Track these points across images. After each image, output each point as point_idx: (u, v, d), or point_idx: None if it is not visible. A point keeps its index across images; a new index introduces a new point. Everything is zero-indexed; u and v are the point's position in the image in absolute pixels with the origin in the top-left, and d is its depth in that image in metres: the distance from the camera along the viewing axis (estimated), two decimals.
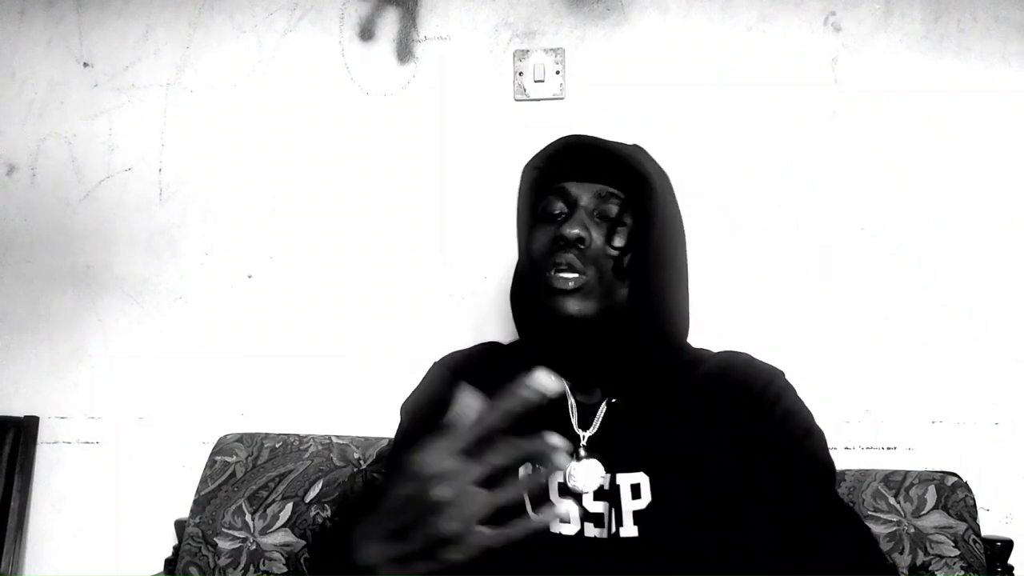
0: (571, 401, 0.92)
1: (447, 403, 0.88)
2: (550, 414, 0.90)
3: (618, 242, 0.90)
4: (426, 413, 0.92)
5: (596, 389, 0.93)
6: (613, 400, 0.91)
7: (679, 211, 0.99)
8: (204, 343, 1.47)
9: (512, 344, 1.02)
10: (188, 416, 1.45)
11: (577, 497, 0.87)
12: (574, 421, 0.91)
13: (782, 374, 0.93)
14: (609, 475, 0.86)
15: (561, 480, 0.87)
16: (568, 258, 0.88)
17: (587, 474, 0.86)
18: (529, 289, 0.94)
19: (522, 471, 0.85)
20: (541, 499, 0.87)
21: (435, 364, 1.00)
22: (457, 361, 1.00)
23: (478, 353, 1.01)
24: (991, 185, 1.33)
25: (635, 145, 1.02)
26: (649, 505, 0.84)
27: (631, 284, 0.90)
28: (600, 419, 0.90)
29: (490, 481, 0.81)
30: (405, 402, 0.97)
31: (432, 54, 1.45)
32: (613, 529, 0.85)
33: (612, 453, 0.87)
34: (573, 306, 0.88)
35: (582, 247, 0.89)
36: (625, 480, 0.86)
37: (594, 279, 0.89)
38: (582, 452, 0.88)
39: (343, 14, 1.48)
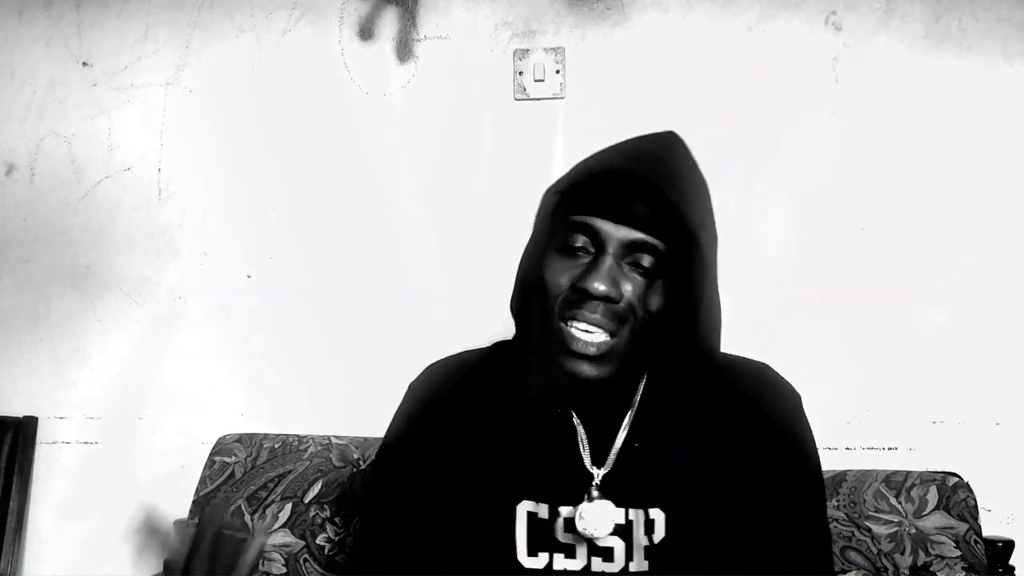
0: (581, 434, 0.84)
1: (424, 445, 0.84)
2: (557, 448, 0.84)
3: (654, 302, 0.78)
4: (402, 463, 0.86)
5: (608, 420, 0.84)
6: (629, 434, 0.83)
7: (715, 224, 0.86)
8: (204, 343, 1.47)
9: (490, 354, 0.93)
10: (188, 416, 1.45)
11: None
12: (586, 458, 0.83)
13: (800, 400, 0.86)
14: (623, 509, 0.80)
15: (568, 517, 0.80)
16: (592, 317, 0.76)
17: (598, 517, 0.79)
18: (535, 311, 0.82)
19: (520, 508, 0.81)
20: (545, 539, 0.81)
21: (407, 396, 0.92)
22: (430, 391, 0.90)
23: (454, 373, 0.92)
24: (992, 185, 1.32)
25: (674, 140, 0.90)
26: (663, 540, 0.79)
27: (665, 333, 0.79)
28: (615, 455, 0.82)
29: (486, 515, 0.80)
30: (381, 448, 0.90)
31: (432, 53, 1.45)
32: (624, 564, 0.80)
33: (628, 493, 0.81)
34: (589, 371, 0.77)
35: (610, 304, 0.76)
36: (640, 515, 0.81)
37: (623, 342, 0.77)
38: (594, 492, 0.81)
39: (343, 13, 1.47)
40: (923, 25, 1.36)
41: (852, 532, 1.07)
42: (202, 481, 1.23)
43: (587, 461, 0.82)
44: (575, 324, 0.77)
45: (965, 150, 1.33)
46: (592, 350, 0.77)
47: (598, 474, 0.82)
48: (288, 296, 1.46)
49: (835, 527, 1.09)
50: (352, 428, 1.34)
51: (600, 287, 0.75)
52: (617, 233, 0.79)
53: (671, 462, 0.81)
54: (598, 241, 0.79)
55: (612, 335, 0.77)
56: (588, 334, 0.77)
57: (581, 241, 0.80)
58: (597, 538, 0.79)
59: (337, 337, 1.44)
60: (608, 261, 0.78)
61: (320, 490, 1.19)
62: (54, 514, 1.47)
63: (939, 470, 1.13)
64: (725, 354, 0.87)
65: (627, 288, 0.78)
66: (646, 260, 0.79)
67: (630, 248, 0.78)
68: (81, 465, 1.47)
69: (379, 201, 1.44)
